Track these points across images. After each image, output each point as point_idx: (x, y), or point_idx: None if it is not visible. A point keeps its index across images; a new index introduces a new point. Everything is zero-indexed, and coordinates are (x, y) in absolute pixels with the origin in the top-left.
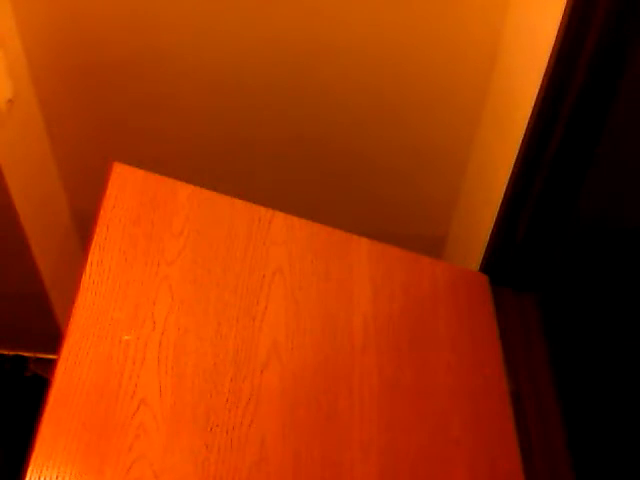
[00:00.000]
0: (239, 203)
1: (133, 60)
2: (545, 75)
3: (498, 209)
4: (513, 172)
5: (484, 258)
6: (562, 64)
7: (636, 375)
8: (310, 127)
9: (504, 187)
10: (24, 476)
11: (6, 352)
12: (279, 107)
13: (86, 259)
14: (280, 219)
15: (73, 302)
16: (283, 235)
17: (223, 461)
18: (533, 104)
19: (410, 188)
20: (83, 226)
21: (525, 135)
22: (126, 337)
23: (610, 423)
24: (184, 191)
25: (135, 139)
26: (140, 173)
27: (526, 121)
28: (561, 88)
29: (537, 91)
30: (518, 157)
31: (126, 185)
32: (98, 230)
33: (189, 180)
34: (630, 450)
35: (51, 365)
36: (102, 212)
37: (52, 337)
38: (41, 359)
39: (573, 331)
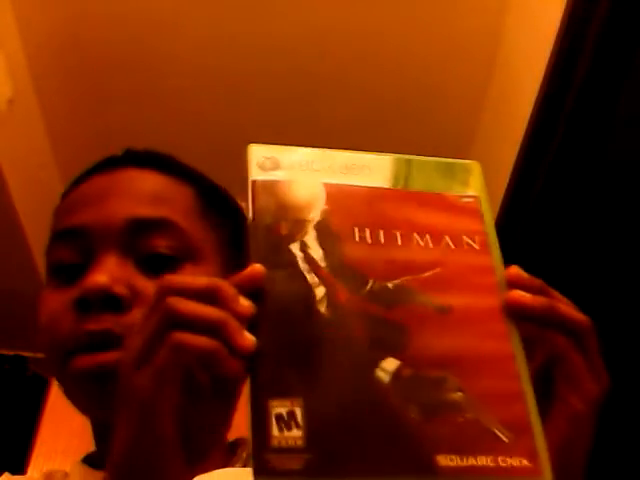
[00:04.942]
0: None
1: (133, 60)
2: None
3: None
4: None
5: None
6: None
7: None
8: (310, 125)
9: (503, 190)
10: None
11: (6, 352)
12: (279, 107)
13: None
14: None
15: None
16: None
17: None
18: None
19: None
20: None
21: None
22: None
23: (609, 423)
24: None
25: (135, 139)
26: None
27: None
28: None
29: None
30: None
31: None
32: None
33: None
34: (631, 451)
35: None
36: None
37: None
38: (41, 359)
39: None
